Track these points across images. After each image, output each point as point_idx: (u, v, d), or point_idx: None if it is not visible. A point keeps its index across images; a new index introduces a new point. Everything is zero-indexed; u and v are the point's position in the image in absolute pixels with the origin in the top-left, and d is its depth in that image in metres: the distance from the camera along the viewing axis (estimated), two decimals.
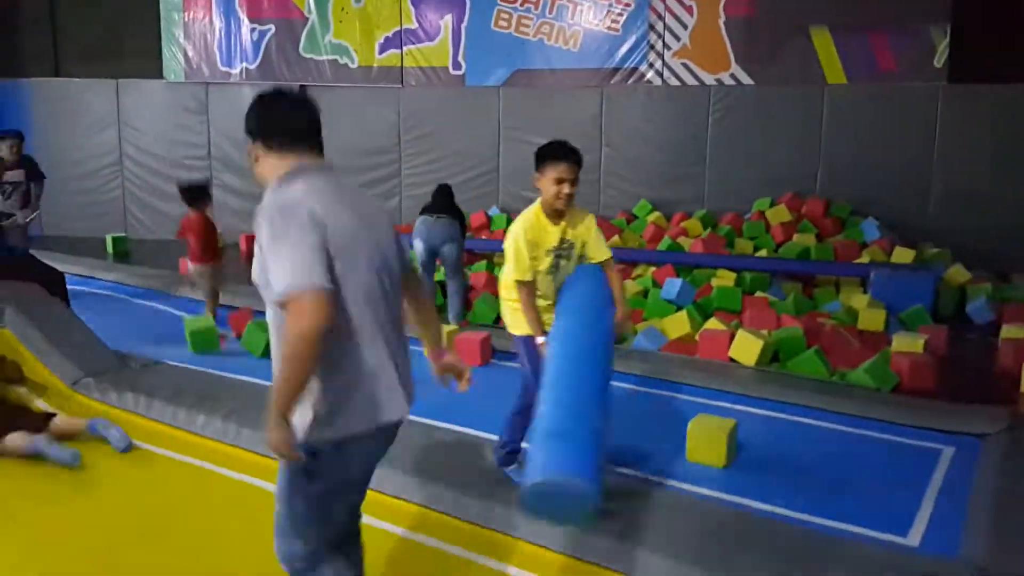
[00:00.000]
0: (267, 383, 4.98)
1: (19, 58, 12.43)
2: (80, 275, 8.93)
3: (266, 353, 6.06)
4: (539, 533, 3.31)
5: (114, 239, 11.30)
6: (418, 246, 6.91)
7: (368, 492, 2.51)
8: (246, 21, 11.67)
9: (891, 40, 9.91)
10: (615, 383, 5.43)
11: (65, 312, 5.80)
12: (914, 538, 3.54)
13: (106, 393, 4.99)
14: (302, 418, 2.14)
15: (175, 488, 3.96)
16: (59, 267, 8.06)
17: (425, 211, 7.09)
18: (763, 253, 8.83)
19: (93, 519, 3.60)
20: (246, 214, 11.99)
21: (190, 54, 11.91)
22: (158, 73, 12.05)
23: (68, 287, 6.25)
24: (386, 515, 3.53)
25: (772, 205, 9.95)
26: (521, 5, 10.91)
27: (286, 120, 2.26)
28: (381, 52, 11.44)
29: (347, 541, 2.48)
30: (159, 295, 8.27)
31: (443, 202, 7.21)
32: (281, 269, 2.00)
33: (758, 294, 7.60)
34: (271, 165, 2.24)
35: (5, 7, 12.36)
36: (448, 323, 6.84)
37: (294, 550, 2.33)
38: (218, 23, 11.75)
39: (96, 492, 3.88)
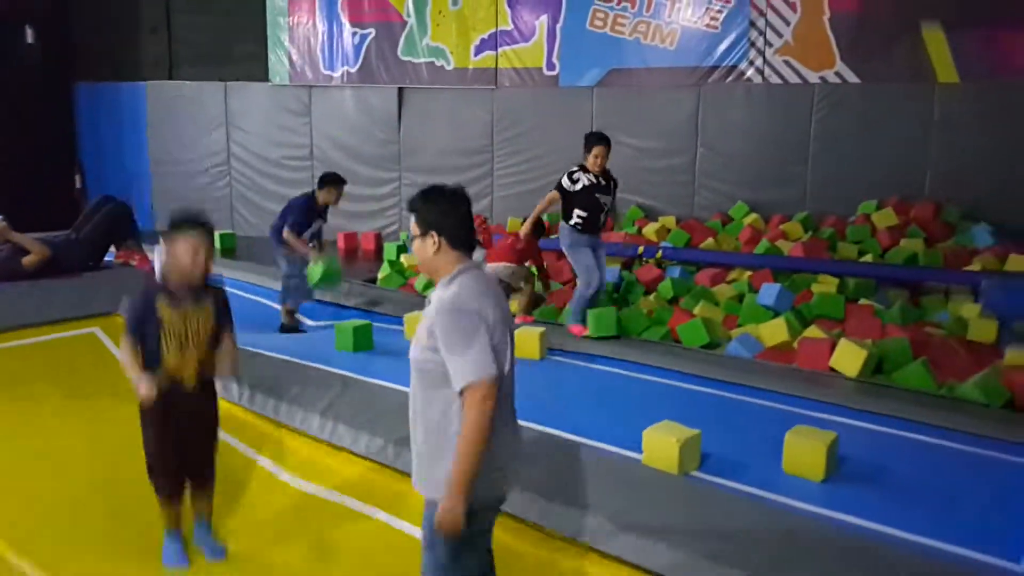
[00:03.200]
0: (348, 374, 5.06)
1: (139, 62, 13.14)
2: None
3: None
4: (628, 548, 3.27)
5: (222, 236, 11.78)
6: None
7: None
8: (348, 25, 11.98)
9: (1013, 36, 9.36)
10: (708, 390, 5.39)
11: None
12: None
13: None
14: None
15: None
16: None
17: None
18: (868, 259, 8.50)
19: None
20: (342, 213, 12.31)
21: (294, 58, 12.32)
22: (264, 76, 12.52)
23: None
24: None
25: (878, 208, 9.57)
26: (618, 4, 10.82)
27: (466, 223, 2.61)
28: (476, 54, 11.55)
29: None
30: (265, 291, 8.59)
31: None
32: (463, 363, 2.39)
33: (862, 301, 7.32)
34: (448, 260, 2.56)
35: (128, 16, 13.08)
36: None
37: None
38: (321, 27, 12.11)
39: None
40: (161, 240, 3.40)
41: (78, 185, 13.39)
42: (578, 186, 6.35)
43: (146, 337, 3.34)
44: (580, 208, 6.36)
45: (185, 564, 3.56)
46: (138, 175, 13.10)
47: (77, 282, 5.84)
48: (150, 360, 3.35)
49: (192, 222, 3.34)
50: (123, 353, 3.39)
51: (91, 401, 4.51)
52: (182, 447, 3.49)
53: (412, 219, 2.60)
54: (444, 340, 2.40)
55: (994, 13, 9.37)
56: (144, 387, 3.27)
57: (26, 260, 5.93)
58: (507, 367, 2.50)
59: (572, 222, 6.41)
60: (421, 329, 2.50)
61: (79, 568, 3.47)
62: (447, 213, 2.55)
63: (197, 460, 3.57)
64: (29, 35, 12.37)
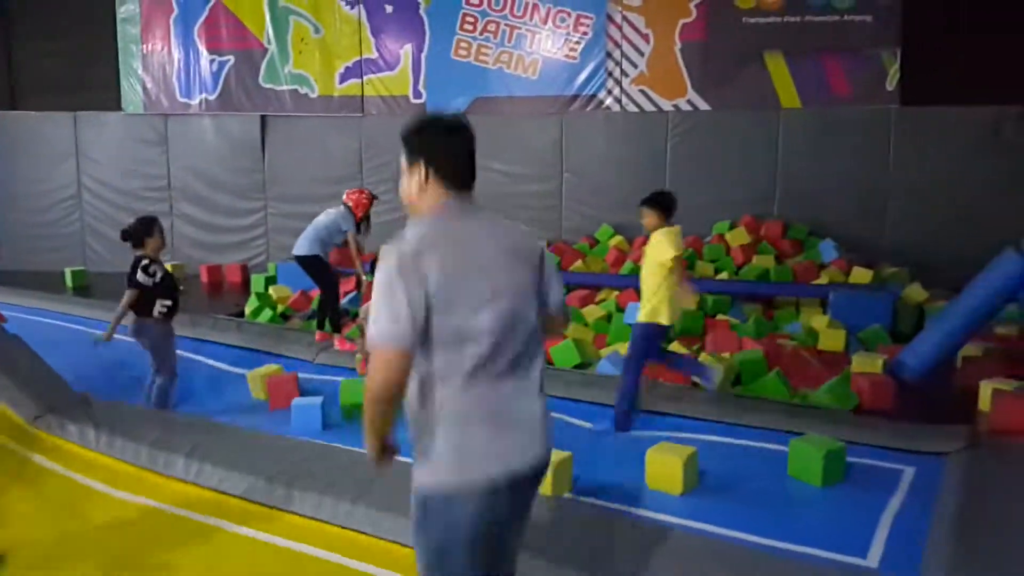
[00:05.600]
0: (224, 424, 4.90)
1: None
2: (40, 309, 8.79)
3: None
4: None
5: (73, 272, 11.12)
6: None
7: None
8: (205, 52, 11.64)
9: (844, 65, 10.18)
10: (575, 414, 5.49)
11: (23, 347, 5.68)
12: (873, 559, 3.59)
13: (66, 428, 4.88)
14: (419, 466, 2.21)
15: (137, 528, 3.88)
16: (12, 302, 7.96)
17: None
18: (724, 276, 8.94)
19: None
20: (205, 245, 11.90)
21: (148, 86, 11.84)
22: (117, 105, 11.96)
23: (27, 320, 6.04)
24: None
25: (731, 228, 10.09)
26: (480, 34, 11.02)
27: (463, 156, 2.26)
28: (342, 82, 11.46)
29: None
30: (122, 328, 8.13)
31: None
32: (373, 320, 2.09)
33: (720, 317, 7.68)
34: (433, 197, 2.24)
35: None
36: None
37: None
38: (177, 55, 11.71)
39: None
40: None
41: None
42: (158, 278, 5.58)
43: None
44: (163, 298, 5.60)
45: None
46: None
47: None
48: None
49: None
50: None
51: None
52: None
53: (402, 155, 2.29)
54: (375, 289, 2.11)
55: (826, 43, 10.14)
56: None
57: None
58: (481, 324, 2.12)
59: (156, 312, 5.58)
60: None
61: None
62: (441, 142, 2.24)
63: None
64: None
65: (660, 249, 5.04)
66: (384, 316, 2.06)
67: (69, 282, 10.97)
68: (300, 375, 6.17)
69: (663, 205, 5.16)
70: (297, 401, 5.30)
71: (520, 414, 2.21)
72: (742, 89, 10.43)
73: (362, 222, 7.39)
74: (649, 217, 5.16)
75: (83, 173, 12.12)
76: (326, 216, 7.27)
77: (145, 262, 5.53)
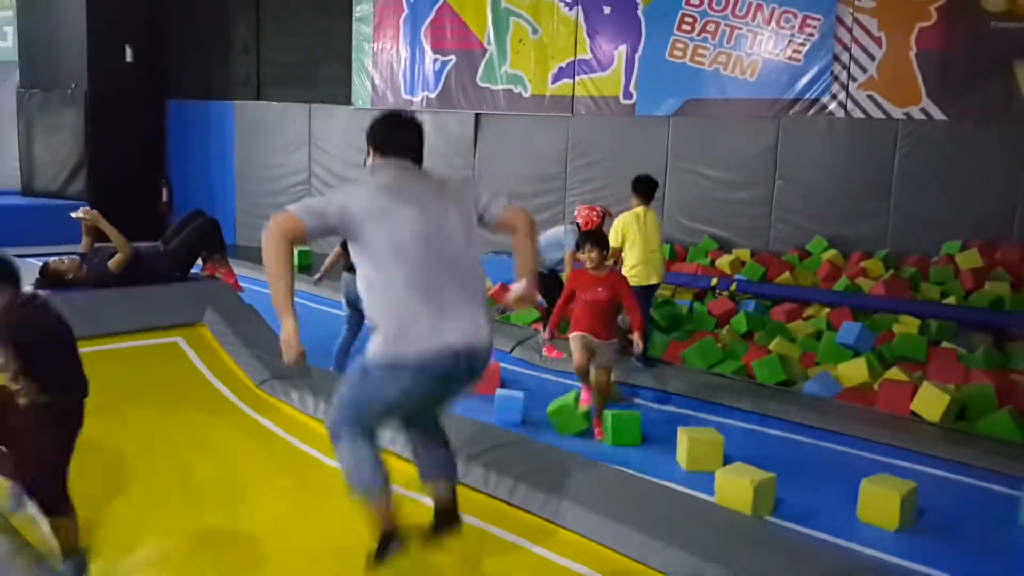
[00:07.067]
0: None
1: (228, 82, 13.68)
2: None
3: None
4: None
5: (300, 252, 12.10)
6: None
7: None
8: (430, 52, 12.24)
9: None
10: (781, 432, 5.27)
11: (256, 316, 6.24)
12: None
13: (289, 394, 5.31)
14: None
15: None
16: (250, 275, 8.77)
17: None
18: (951, 300, 8.23)
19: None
20: None
21: (377, 82, 12.64)
22: (347, 100, 12.87)
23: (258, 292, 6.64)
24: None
25: (962, 249, 9.26)
26: (698, 35, 10.79)
27: (400, 138, 3.05)
28: (554, 82, 11.65)
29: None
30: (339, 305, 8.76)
31: None
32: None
33: (944, 344, 7.09)
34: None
35: (219, 37, 13.66)
36: None
37: (335, 419, 3.02)
38: (404, 53, 12.40)
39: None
40: None
41: (164, 199, 13.95)
42: None
43: None
44: None
45: None
46: (223, 190, 13.60)
47: (163, 292, 5.99)
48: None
49: None
50: None
51: (167, 409, 4.64)
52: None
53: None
54: None
55: None
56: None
57: (112, 263, 5.87)
58: (409, 239, 2.74)
59: None
60: None
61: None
62: (386, 131, 2.99)
63: None
64: (128, 54, 13.00)
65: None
66: (311, 202, 2.83)
67: (296, 260, 11.95)
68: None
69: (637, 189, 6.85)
70: (501, 392, 5.45)
71: (456, 310, 2.80)
72: (984, 100, 9.49)
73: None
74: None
75: (314, 161, 13.16)
76: (554, 231, 7.16)
77: None
